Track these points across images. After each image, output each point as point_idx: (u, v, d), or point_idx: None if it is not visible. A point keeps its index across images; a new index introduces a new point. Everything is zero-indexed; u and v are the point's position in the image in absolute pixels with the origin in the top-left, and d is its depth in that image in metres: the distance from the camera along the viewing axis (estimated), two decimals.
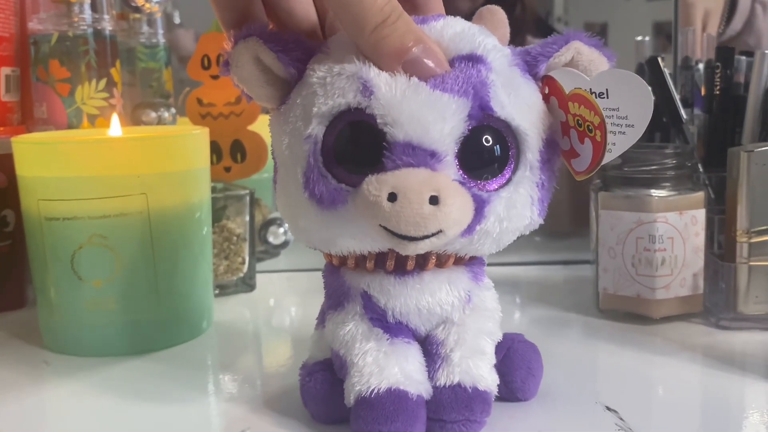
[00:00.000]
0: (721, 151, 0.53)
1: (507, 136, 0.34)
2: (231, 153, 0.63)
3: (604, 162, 0.35)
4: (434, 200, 0.31)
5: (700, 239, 0.52)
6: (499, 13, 0.38)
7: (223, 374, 0.47)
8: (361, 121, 0.33)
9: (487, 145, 0.34)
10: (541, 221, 0.37)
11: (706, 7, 0.86)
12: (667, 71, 0.59)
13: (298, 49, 0.34)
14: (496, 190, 0.34)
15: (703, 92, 0.62)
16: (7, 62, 0.61)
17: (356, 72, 0.33)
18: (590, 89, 0.35)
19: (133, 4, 0.66)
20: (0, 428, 0.40)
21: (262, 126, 0.63)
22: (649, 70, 0.60)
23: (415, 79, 0.32)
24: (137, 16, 0.68)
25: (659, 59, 0.59)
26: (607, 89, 0.35)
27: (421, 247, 0.33)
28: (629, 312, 0.53)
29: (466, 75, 0.33)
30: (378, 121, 0.32)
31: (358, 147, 0.33)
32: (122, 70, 0.64)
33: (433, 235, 0.32)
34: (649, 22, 0.77)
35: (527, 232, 0.37)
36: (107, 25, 0.61)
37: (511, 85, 0.34)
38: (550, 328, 0.53)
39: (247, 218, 0.63)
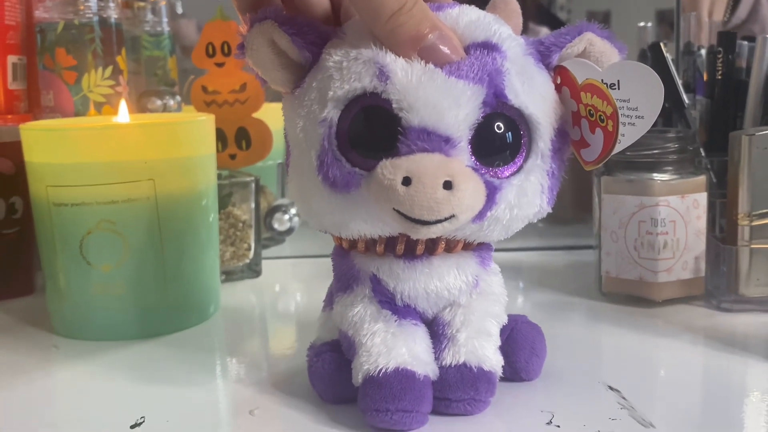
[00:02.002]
0: (722, 136, 0.53)
1: (520, 124, 0.35)
2: (236, 140, 0.64)
3: (614, 152, 0.35)
4: (448, 185, 0.32)
5: (701, 222, 0.52)
6: (512, 3, 0.38)
7: (231, 357, 0.47)
8: (376, 105, 0.33)
9: (500, 132, 0.34)
10: (550, 210, 0.37)
11: None
12: (669, 56, 0.59)
13: (312, 33, 0.35)
14: (507, 177, 0.35)
15: (705, 77, 0.62)
16: (13, 51, 0.62)
17: (373, 57, 0.33)
18: (602, 80, 0.35)
19: None
20: (11, 410, 0.40)
21: (266, 113, 0.64)
22: (652, 56, 0.60)
23: (431, 65, 0.33)
24: (142, 4, 0.69)
25: (662, 44, 0.59)
26: (618, 80, 0.35)
27: (433, 231, 0.33)
28: (632, 295, 0.53)
29: (482, 62, 0.33)
30: (393, 105, 0.33)
31: (372, 131, 0.34)
32: (127, 59, 0.64)
33: (445, 219, 0.33)
34: (651, 10, 0.77)
35: (535, 220, 0.37)
36: (113, 14, 0.61)
37: (525, 73, 0.35)
38: (554, 311, 0.53)
39: (253, 205, 0.63)
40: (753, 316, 0.50)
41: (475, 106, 0.33)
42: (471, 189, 0.33)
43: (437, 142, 0.33)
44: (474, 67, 0.33)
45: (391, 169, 0.32)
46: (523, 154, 0.35)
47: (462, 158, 0.33)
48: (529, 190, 0.35)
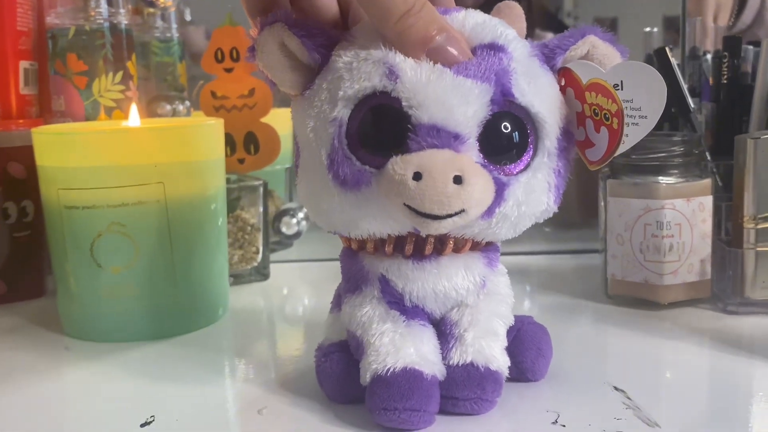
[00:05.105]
0: (728, 140, 0.53)
1: (527, 122, 0.35)
2: (244, 145, 0.64)
3: (618, 152, 0.36)
4: (458, 180, 0.32)
5: (707, 226, 0.52)
6: (516, 8, 0.39)
7: (239, 358, 0.48)
8: (386, 104, 0.34)
9: (507, 130, 0.35)
10: (556, 209, 0.38)
11: (718, 0, 0.86)
12: (675, 61, 0.60)
13: (321, 36, 0.36)
14: (515, 174, 0.35)
15: (710, 82, 0.62)
16: (25, 56, 0.63)
17: (382, 57, 0.34)
18: (606, 80, 0.35)
19: None
20: (23, 410, 0.41)
21: (274, 118, 0.64)
22: (657, 60, 0.60)
23: (439, 65, 0.33)
24: (152, 10, 0.69)
25: (667, 49, 0.60)
26: (621, 81, 0.35)
27: (444, 226, 0.34)
28: (638, 298, 0.53)
29: (489, 62, 0.34)
30: (403, 104, 0.33)
31: (382, 129, 0.34)
32: (137, 64, 0.65)
33: (455, 214, 0.33)
34: (658, 17, 0.77)
35: (542, 219, 0.38)
36: (123, 19, 0.62)
37: (530, 74, 0.35)
38: (560, 314, 0.54)
39: (261, 209, 0.64)
40: (759, 318, 0.50)
41: (484, 104, 0.34)
42: (481, 184, 0.33)
43: (447, 138, 0.33)
44: (481, 66, 0.34)
45: (402, 165, 0.33)
46: (530, 151, 0.35)
47: (471, 154, 0.34)
48: (537, 188, 0.36)
